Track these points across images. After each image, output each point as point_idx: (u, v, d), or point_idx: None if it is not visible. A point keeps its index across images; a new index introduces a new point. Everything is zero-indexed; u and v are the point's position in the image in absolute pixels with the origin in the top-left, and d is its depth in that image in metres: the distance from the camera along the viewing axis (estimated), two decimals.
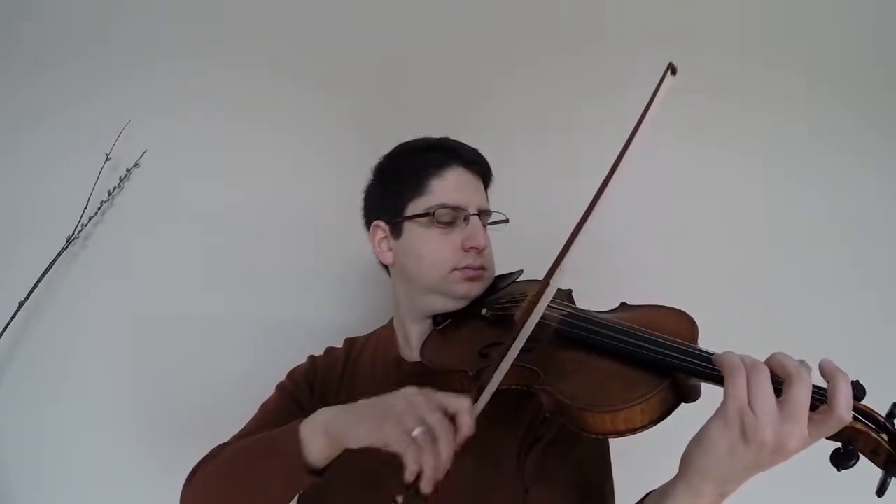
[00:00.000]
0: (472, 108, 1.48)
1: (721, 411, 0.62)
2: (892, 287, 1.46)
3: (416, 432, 0.66)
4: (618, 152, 0.78)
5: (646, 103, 0.78)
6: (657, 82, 0.77)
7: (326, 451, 0.75)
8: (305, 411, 0.99)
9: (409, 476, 0.65)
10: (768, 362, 0.63)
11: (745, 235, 1.46)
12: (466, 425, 0.67)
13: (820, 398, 0.61)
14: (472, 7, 1.52)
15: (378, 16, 1.52)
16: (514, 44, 1.52)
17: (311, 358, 1.10)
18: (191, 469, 0.95)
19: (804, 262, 1.46)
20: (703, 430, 0.64)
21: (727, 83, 1.50)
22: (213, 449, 0.97)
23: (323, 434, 0.74)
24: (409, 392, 0.71)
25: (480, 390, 0.71)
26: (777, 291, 1.44)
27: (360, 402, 0.75)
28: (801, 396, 0.59)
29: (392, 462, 0.67)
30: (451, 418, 0.67)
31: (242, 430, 1.03)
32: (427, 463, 0.64)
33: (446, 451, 0.65)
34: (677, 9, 1.52)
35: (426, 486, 0.65)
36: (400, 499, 0.68)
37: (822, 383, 0.62)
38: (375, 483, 0.90)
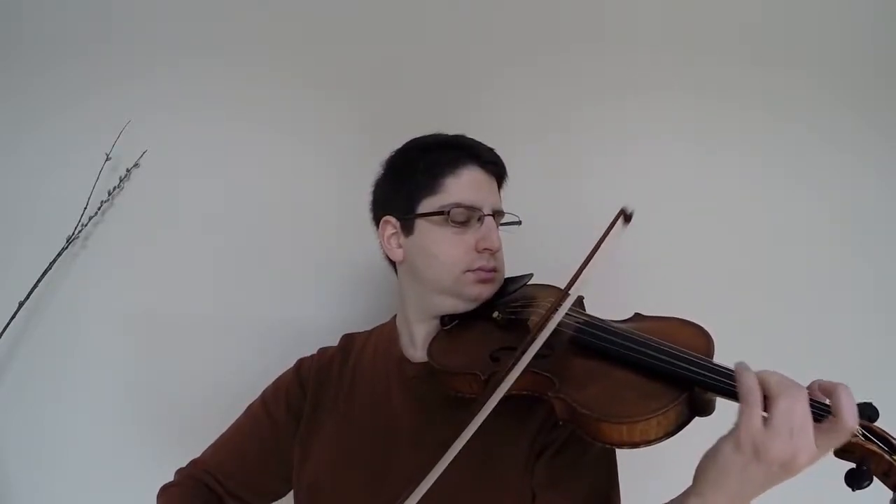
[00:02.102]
0: (472, 108, 1.48)
1: (734, 434, 0.63)
2: (892, 287, 1.46)
3: None
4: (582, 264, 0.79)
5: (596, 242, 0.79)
6: (608, 225, 0.79)
7: None
8: (279, 431, 1.02)
9: None
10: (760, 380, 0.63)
11: (745, 236, 1.46)
12: None
13: (826, 411, 0.62)
14: (471, 7, 1.52)
15: (378, 16, 1.52)
16: (514, 44, 1.52)
17: (299, 363, 1.08)
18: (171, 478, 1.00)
19: (804, 262, 1.45)
20: (715, 448, 0.65)
21: (727, 83, 1.50)
22: (185, 468, 1.03)
23: None
24: None
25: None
26: (777, 291, 1.44)
27: None
28: (797, 409, 0.60)
29: None
30: None
31: (221, 437, 1.06)
32: None
33: None
34: (677, 9, 1.52)
35: None
36: None
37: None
38: (372, 486, 0.90)
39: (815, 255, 1.46)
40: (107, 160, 1.44)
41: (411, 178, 0.96)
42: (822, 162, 1.49)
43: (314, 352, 1.10)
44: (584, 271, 0.77)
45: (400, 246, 0.98)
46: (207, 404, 1.38)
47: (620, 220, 0.77)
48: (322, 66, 1.50)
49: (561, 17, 1.52)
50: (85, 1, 1.51)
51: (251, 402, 1.09)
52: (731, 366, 0.68)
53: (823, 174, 1.49)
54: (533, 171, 1.44)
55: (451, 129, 1.03)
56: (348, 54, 1.51)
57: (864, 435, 0.63)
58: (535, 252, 1.08)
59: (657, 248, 1.44)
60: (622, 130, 1.48)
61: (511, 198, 1.06)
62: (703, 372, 0.69)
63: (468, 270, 0.93)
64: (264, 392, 1.08)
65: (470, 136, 1.02)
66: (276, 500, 1.07)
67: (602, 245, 0.78)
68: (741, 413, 0.63)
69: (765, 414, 0.62)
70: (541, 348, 0.75)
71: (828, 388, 0.62)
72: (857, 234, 1.47)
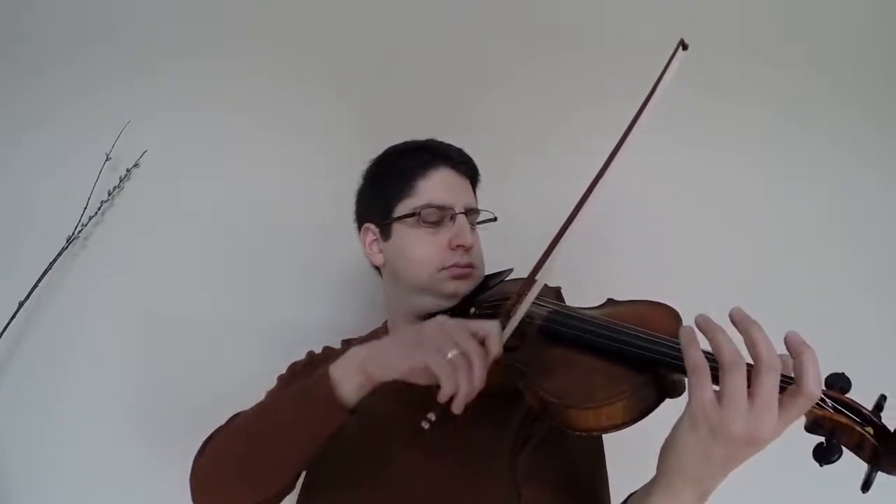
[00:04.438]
0: (472, 108, 1.48)
1: (687, 412, 0.61)
2: (892, 287, 1.46)
3: (451, 355, 0.69)
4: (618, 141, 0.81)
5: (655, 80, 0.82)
6: (668, 59, 0.78)
7: (359, 389, 0.76)
8: None
9: (443, 397, 0.69)
10: (744, 331, 0.60)
11: (744, 235, 1.46)
12: (495, 348, 0.71)
13: (788, 380, 0.59)
14: (471, 7, 1.52)
15: (378, 16, 1.52)
16: (514, 44, 1.52)
17: (311, 353, 1.11)
18: (201, 445, 0.94)
19: (804, 262, 1.45)
20: (672, 431, 0.64)
21: (727, 83, 1.50)
22: (223, 425, 0.96)
23: (357, 371, 0.75)
24: (440, 320, 0.75)
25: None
26: (777, 291, 1.44)
27: (388, 337, 0.79)
28: (769, 386, 0.57)
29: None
30: (482, 342, 0.71)
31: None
32: (462, 384, 0.68)
33: (479, 372, 0.69)
34: (677, 9, 1.52)
35: (458, 407, 0.69)
36: (433, 416, 0.70)
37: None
38: (367, 486, 0.90)
39: (814, 254, 1.46)
40: (107, 160, 1.44)
41: (386, 184, 1.00)
42: (822, 161, 1.49)
43: (319, 350, 1.12)
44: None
45: (381, 251, 1.01)
46: (207, 404, 1.37)
47: (680, 50, 0.79)
48: (322, 66, 1.51)
49: (561, 18, 1.52)
50: (85, 1, 1.51)
51: (252, 403, 1.08)
52: (705, 348, 0.66)
53: (823, 174, 1.49)
54: (533, 171, 1.44)
55: (450, 130, 1.04)
56: (348, 54, 1.51)
57: (833, 407, 0.61)
58: (534, 252, 1.08)
59: (657, 247, 1.44)
60: (622, 130, 1.48)
61: (510, 197, 1.06)
62: (665, 352, 0.69)
63: (443, 268, 0.95)
64: (280, 377, 1.08)
65: (471, 135, 1.04)
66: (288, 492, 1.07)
67: (662, 78, 0.82)
68: (689, 387, 0.61)
69: (716, 387, 0.59)
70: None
71: (793, 349, 0.58)
72: (857, 233, 1.47)
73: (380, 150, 1.06)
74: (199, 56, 1.50)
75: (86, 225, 1.43)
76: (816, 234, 1.47)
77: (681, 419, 0.63)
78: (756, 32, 1.52)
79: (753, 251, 1.46)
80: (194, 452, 1.06)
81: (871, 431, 0.60)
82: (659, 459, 0.66)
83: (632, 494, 0.73)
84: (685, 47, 0.78)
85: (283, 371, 1.11)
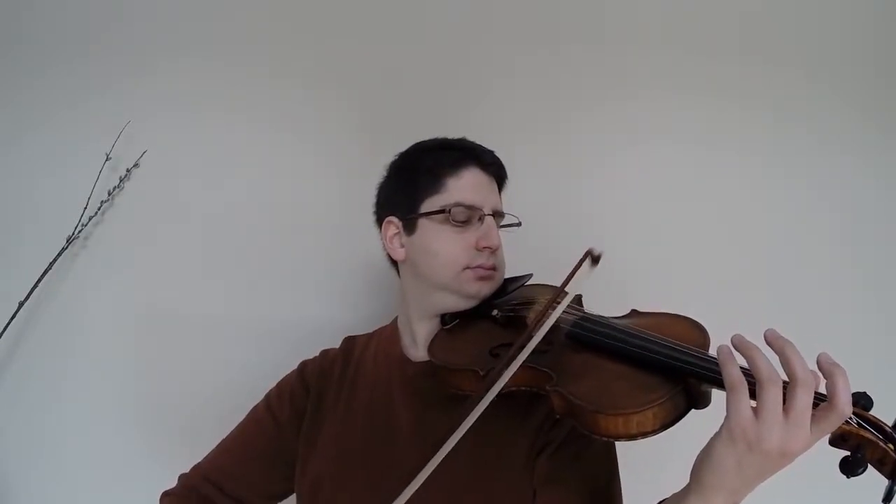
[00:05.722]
0: (472, 108, 1.48)
1: (725, 427, 0.63)
2: (892, 287, 1.46)
3: None
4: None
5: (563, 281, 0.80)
6: (575, 264, 0.79)
7: None
8: (283, 431, 1.03)
9: None
10: (779, 351, 0.63)
11: (745, 236, 1.46)
12: None
13: (821, 397, 0.62)
14: (471, 7, 1.52)
15: (378, 16, 1.52)
16: (514, 44, 1.52)
17: (303, 365, 1.09)
18: (173, 484, 1.02)
19: (804, 262, 1.45)
20: (709, 445, 0.65)
21: (727, 83, 1.50)
22: (186, 474, 1.03)
23: None
24: None
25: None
26: (777, 291, 1.44)
27: None
28: (804, 402, 0.60)
29: None
30: None
31: (224, 440, 1.06)
32: None
33: None
34: (677, 8, 1.52)
35: None
36: None
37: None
38: (373, 484, 0.90)
39: (814, 254, 1.46)
40: (107, 160, 1.44)
41: (414, 179, 0.98)
42: (822, 162, 1.49)
43: (316, 353, 1.11)
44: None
45: (402, 245, 1.00)
46: (207, 405, 1.38)
47: (588, 262, 0.77)
48: (322, 66, 1.50)
49: (560, 17, 1.52)
50: (85, 1, 1.51)
51: (252, 404, 1.09)
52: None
53: (823, 174, 1.49)
54: (533, 172, 1.44)
55: (450, 130, 1.04)
56: (348, 54, 1.51)
57: (858, 423, 0.63)
58: (536, 252, 1.08)
59: (657, 248, 1.44)
60: (622, 130, 1.48)
61: (511, 198, 1.06)
62: (696, 363, 0.70)
63: (468, 267, 0.94)
64: (268, 394, 1.08)
65: (470, 136, 1.03)
66: (280, 500, 1.07)
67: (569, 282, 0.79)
68: (728, 403, 0.63)
69: (754, 403, 0.62)
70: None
71: (826, 370, 0.61)
72: (857, 234, 1.47)
73: (380, 150, 1.05)
74: (199, 56, 1.50)
75: (86, 225, 1.43)
76: (816, 235, 1.47)
77: (718, 434, 0.64)
78: (756, 32, 1.52)
79: (752, 251, 1.46)
80: (194, 452, 1.07)
81: (893, 447, 0.63)
82: (693, 471, 0.67)
83: (661, 502, 0.74)
84: (595, 262, 0.77)
85: (285, 371, 1.11)
